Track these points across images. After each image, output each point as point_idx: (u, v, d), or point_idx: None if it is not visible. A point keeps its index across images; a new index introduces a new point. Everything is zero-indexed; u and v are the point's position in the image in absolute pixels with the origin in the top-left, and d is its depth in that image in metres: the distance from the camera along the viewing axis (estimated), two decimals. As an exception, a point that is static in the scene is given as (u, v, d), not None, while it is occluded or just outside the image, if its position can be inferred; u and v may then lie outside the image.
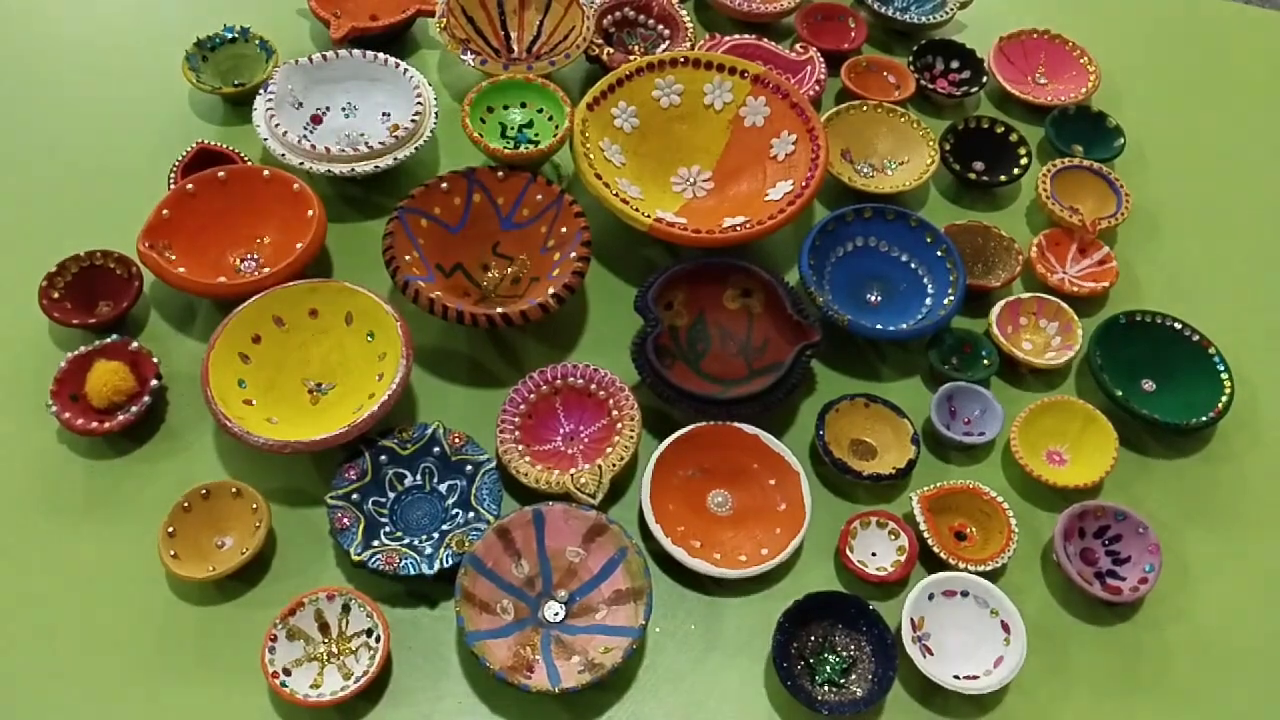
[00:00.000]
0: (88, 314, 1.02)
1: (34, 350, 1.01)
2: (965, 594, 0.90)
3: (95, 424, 0.94)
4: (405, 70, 1.18)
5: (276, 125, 1.09)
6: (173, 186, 1.08)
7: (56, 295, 1.01)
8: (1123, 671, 0.91)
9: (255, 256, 1.07)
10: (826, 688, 0.86)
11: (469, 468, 0.94)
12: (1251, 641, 0.93)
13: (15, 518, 0.91)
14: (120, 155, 1.17)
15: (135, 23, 1.33)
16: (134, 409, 0.94)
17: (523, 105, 1.17)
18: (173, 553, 0.87)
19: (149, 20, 1.33)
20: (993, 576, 0.93)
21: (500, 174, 1.08)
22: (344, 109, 1.19)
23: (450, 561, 0.87)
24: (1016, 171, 1.22)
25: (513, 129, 1.16)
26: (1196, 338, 1.08)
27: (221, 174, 1.06)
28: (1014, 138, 1.24)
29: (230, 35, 1.23)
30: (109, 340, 0.98)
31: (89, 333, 1.01)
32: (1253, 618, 0.95)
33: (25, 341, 1.02)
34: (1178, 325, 1.09)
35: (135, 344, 0.98)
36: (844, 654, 0.88)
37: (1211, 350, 1.07)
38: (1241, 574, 0.98)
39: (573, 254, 1.03)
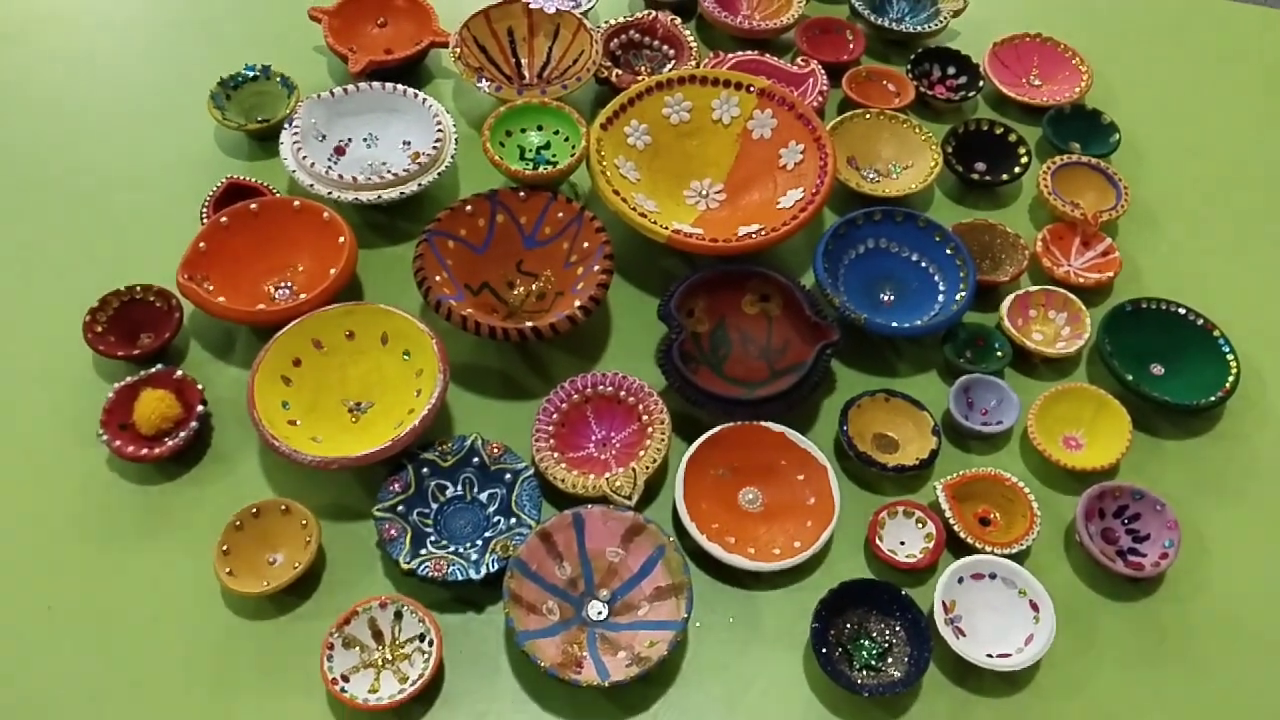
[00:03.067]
0: (130, 346, 1.06)
1: (80, 383, 1.05)
2: (993, 576, 0.93)
3: (145, 450, 0.97)
4: (424, 100, 1.22)
5: (304, 157, 1.13)
6: (206, 221, 1.11)
7: (100, 329, 1.05)
8: (1149, 644, 0.94)
9: (289, 284, 1.11)
10: (865, 672, 0.89)
11: (508, 476, 0.97)
12: (1271, 609, 0.96)
13: (72, 544, 0.95)
14: (153, 193, 1.22)
15: (160, 65, 1.37)
16: (182, 434, 0.98)
17: (539, 128, 1.21)
18: (228, 570, 0.90)
19: (173, 62, 1.37)
20: (1018, 559, 0.96)
21: (522, 194, 1.12)
22: (365, 139, 1.24)
23: (495, 566, 0.90)
24: (1017, 170, 1.26)
25: (531, 151, 1.21)
26: (1201, 321, 1.12)
27: (254, 206, 1.10)
28: (1013, 138, 1.29)
29: (252, 74, 1.27)
30: (155, 370, 1.01)
31: (132, 364, 1.04)
32: (1271, 587, 0.98)
33: (71, 375, 1.05)
34: (1182, 310, 1.12)
35: (180, 372, 1.02)
36: (879, 639, 0.91)
37: (1216, 333, 1.11)
38: (1257, 546, 1.01)
39: (596, 267, 1.07)
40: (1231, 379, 1.07)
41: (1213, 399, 1.06)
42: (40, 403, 1.03)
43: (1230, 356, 1.09)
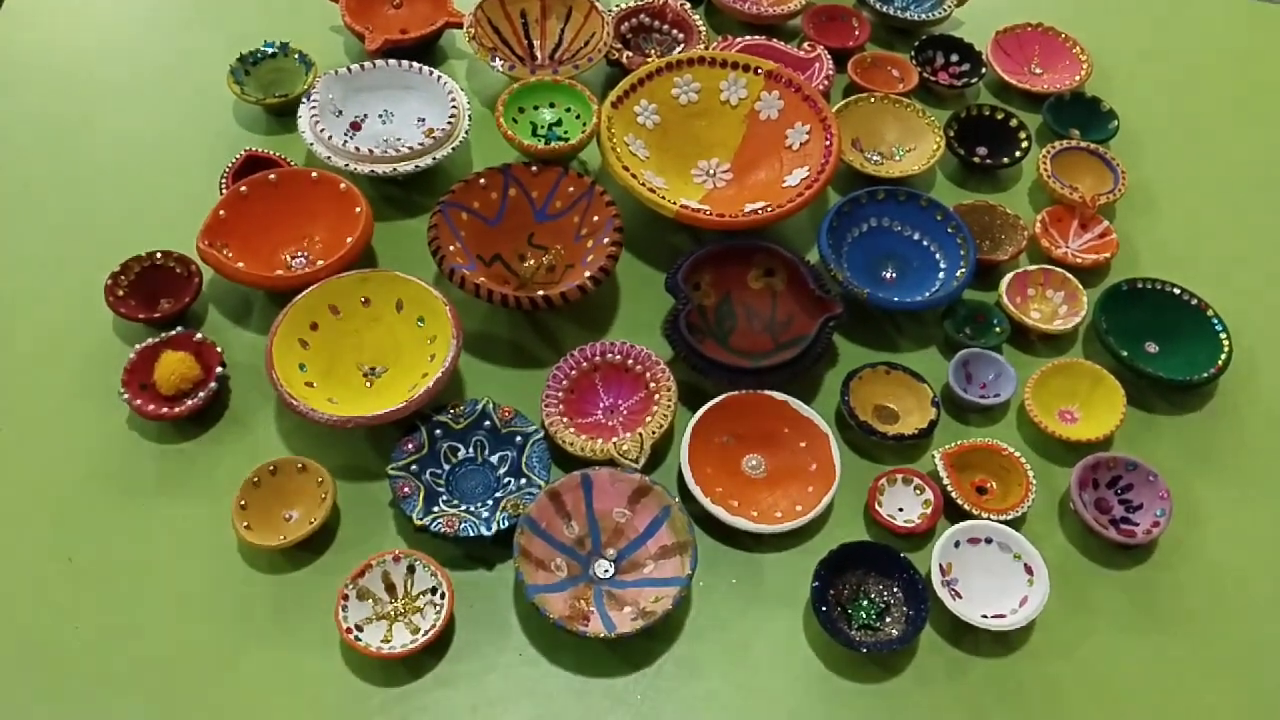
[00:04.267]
0: (151, 310, 1.08)
1: (101, 344, 1.07)
2: (989, 540, 0.96)
3: (166, 409, 1.00)
4: (439, 77, 1.25)
5: (321, 130, 1.16)
6: (226, 190, 1.14)
7: (121, 293, 1.08)
8: (1140, 609, 0.96)
9: (305, 254, 1.13)
10: (863, 631, 0.92)
11: (518, 439, 1.00)
12: (1258, 578, 0.99)
13: (92, 498, 0.97)
14: (173, 164, 1.24)
15: (182, 41, 1.40)
16: (201, 394, 1.00)
17: (551, 105, 1.24)
18: (245, 524, 0.93)
19: (194, 38, 1.40)
20: (1013, 526, 0.98)
21: (534, 169, 1.15)
22: (380, 116, 1.26)
23: (506, 524, 0.93)
24: (1018, 154, 1.29)
25: (543, 127, 1.23)
26: (1195, 301, 1.14)
27: (272, 176, 1.13)
28: (1014, 123, 1.32)
29: (271, 50, 1.30)
30: (175, 332, 1.04)
31: (152, 327, 1.07)
32: (1259, 557, 1.01)
33: (93, 337, 1.08)
34: (1176, 290, 1.15)
35: (199, 335, 1.04)
36: (878, 600, 0.94)
37: (1210, 312, 1.14)
38: (1246, 517, 1.04)
39: (606, 239, 1.10)
40: (1224, 357, 1.10)
41: (1205, 376, 1.09)
42: (63, 363, 1.06)
43: (1223, 335, 1.12)
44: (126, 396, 0.99)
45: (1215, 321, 1.13)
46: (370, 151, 1.15)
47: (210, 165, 1.22)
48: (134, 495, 0.98)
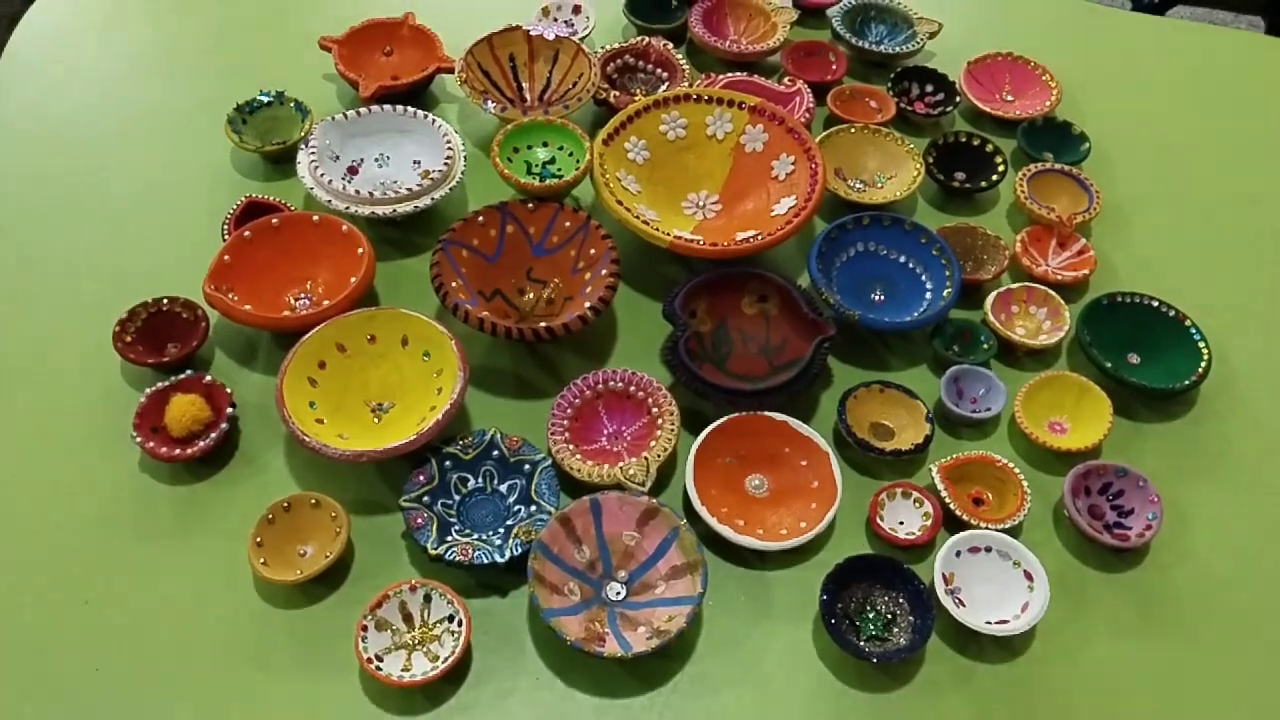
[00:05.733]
0: (159, 354, 1.10)
1: (111, 390, 1.09)
2: (989, 549, 0.99)
3: (179, 451, 1.01)
4: (433, 120, 1.29)
5: (321, 175, 1.19)
6: (230, 235, 1.17)
7: (129, 339, 1.09)
8: (1136, 612, 0.99)
9: (308, 295, 1.16)
10: (871, 642, 0.94)
11: (526, 467, 1.02)
12: (1247, 576, 1.03)
13: (110, 541, 0.98)
14: (175, 212, 1.27)
15: (180, 93, 1.43)
16: (213, 435, 1.02)
17: (544, 144, 1.27)
18: (262, 561, 0.94)
19: (192, 90, 1.44)
20: (1011, 534, 1.01)
21: (530, 206, 1.18)
22: (377, 159, 1.30)
23: (519, 550, 0.95)
24: (995, 178, 1.34)
25: (537, 165, 1.27)
26: (1173, 313, 1.19)
27: (275, 221, 1.16)
28: (990, 149, 1.36)
29: (267, 99, 1.33)
30: (184, 375, 1.06)
31: (161, 371, 1.09)
32: (1247, 555, 1.04)
33: (102, 383, 1.10)
34: (1154, 303, 1.19)
35: (209, 377, 1.06)
36: (884, 611, 0.96)
37: (1188, 323, 1.18)
38: (1233, 519, 1.07)
39: (604, 271, 1.13)
40: (1204, 365, 1.14)
41: (1186, 384, 1.13)
42: (74, 410, 1.08)
43: (1201, 344, 1.16)
44: (139, 440, 1.01)
45: (1193, 331, 1.17)
46: (370, 194, 1.18)
47: (211, 212, 1.24)
48: (149, 537, 0.99)
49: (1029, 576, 0.97)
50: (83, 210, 1.27)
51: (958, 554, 0.98)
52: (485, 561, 0.94)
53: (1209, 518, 1.07)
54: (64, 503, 1.01)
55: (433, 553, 0.94)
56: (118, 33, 1.53)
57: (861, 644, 0.94)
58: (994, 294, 1.20)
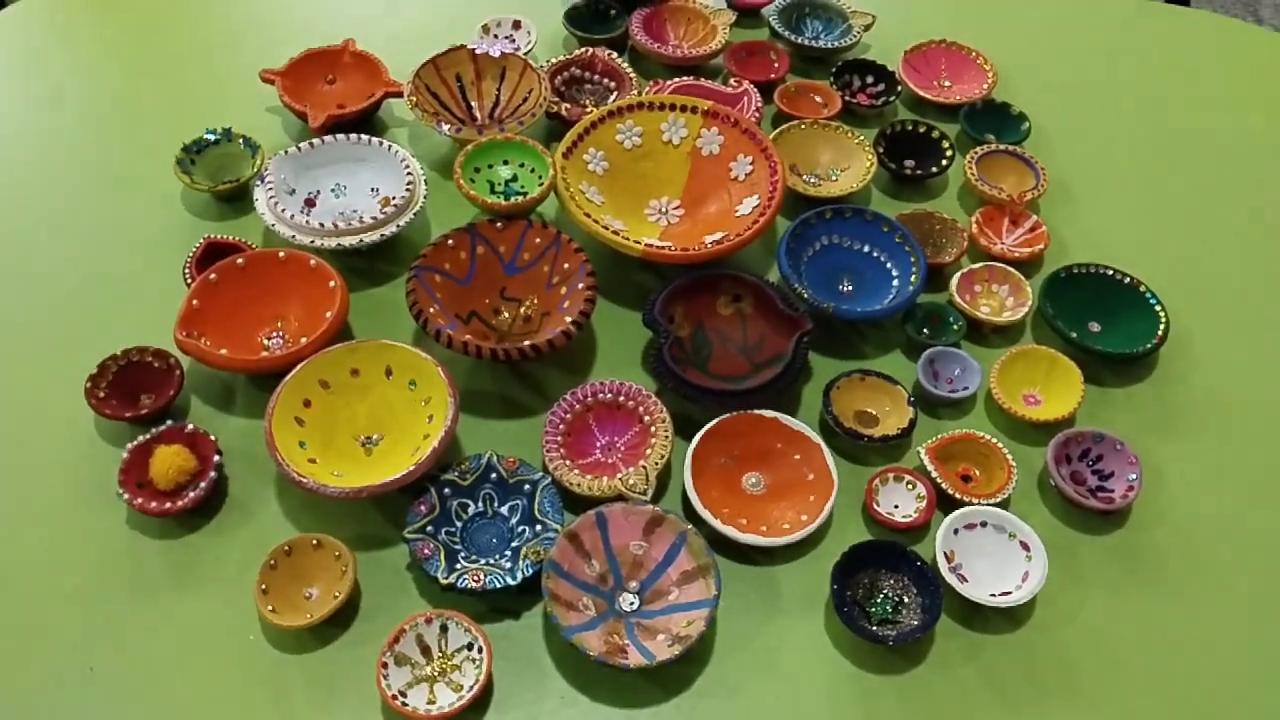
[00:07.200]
0: (134, 407, 1.07)
1: (88, 447, 1.06)
2: (985, 524, 1.02)
3: (169, 505, 0.99)
4: (390, 146, 1.27)
5: (282, 210, 1.17)
6: (194, 279, 1.14)
7: (102, 394, 1.06)
8: (1126, 571, 1.03)
9: (281, 333, 1.14)
10: (883, 625, 0.96)
11: (526, 487, 1.02)
12: (1223, 524, 1.07)
13: (107, 602, 0.96)
14: (133, 260, 1.24)
15: (120, 138, 1.40)
16: (203, 485, 1.00)
17: (505, 162, 1.27)
18: (270, 608, 0.93)
19: (132, 134, 1.40)
20: (1002, 507, 1.04)
21: (499, 225, 1.18)
22: (334, 190, 1.28)
23: (530, 571, 0.95)
24: (944, 163, 1.37)
25: (500, 184, 1.27)
26: (1128, 280, 1.24)
27: (240, 260, 1.13)
28: (936, 134, 1.40)
29: (214, 137, 1.31)
30: (165, 427, 1.03)
31: (138, 424, 1.06)
32: (1221, 504, 1.09)
33: (78, 441, 1.07)
34: (1109, 272, 1.24)
35: (190, 425, 1.04)
36: (891, 594, 0.99)
37: (1143, 288, 1.23)
38: (1204, 474, 1.12)
39: (581, 285, 1.13)
40: (1162, 328, 1.19)
41: (1149, 346, 1.17)
42: (53, 471, 1.04)
43: (1158, 308, 1.21)
44: (126, 496, 0.98)
45: (1149, 296, 1.22)
46: (335, 225, 1.16)
47: (169, 257, 1.21)
48: (147, 594, 0.97)
49: (1025, 547, 1.00)
50: (33, 271, 1.23)
51: (956, 531, 1.01)
52: (498, 585, 0.93)
53: (1181, 473, 1.11)
54: (55, 567, 0.98)
55: (444, 582, 0.93)
56: (37, 80, 1.48)
57: (874, 628, 0.96)
58: (957, 275, 1.24)
